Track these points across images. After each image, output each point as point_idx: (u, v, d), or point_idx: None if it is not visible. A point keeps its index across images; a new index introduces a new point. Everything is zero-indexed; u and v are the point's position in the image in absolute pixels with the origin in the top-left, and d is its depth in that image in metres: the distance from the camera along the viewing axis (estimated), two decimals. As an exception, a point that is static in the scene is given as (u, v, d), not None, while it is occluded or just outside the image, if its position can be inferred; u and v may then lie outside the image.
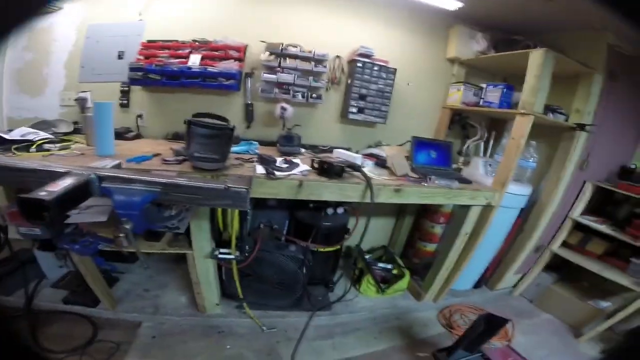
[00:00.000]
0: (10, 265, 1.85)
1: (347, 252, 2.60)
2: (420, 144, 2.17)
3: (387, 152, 2.05)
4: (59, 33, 2.14)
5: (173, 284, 2.21)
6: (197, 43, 2.12)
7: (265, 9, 2.16)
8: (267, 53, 2.12)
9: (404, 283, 2.40)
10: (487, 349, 1.76)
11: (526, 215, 2.40)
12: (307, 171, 1.61)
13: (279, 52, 2.12)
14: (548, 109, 2.00)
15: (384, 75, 2.26)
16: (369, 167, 1.84)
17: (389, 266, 2.47)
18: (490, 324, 1.58)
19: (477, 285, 2.66)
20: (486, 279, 2.69)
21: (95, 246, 1.58)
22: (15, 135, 1.72)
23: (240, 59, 2.12)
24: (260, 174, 1.49)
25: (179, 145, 1.67)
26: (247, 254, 1.77)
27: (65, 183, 0.89)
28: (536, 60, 1.81)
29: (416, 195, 1.78)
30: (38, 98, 2.18)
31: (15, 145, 1.58)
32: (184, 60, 2.07)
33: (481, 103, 2.30)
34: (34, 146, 1.61)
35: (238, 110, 2.25)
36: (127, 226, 0.95)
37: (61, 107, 2.18)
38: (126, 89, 2.13)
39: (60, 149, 1.65)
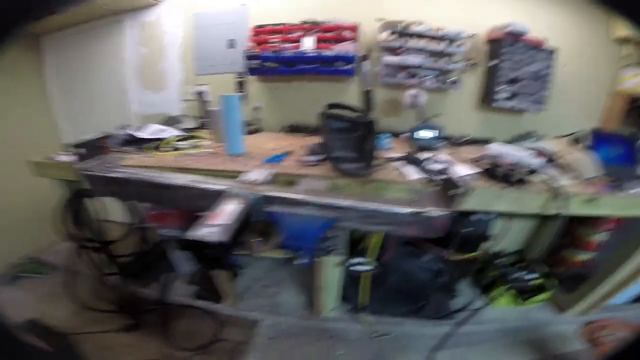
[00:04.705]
0: (148, 259, 1.95)
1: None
2: (600, 138, 1.63)
3: (555, 147, 1.56)
4: (167, 25, 2.12)
5: (290, 281, 2.14)
6: (307, 25, 1.90)
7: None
8: (387, 32, 1.79)
9: (546, 296, 2.01)
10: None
11: None
12: (471, 175, 1.26)
13: (402, 31, 1.78)
14: None
15: (540, 56, 1.78)
16: (539, 167, 1.41)
17: (530, 276, 2.04)
18: None
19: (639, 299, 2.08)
20: (654, 293, 2.10)
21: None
22: (146, 133, 1.73)
23: (354, 40, 1.85)
24: (415, 179, 1.20)
25: (311, 142, 1.48)
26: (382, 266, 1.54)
27: (230, 210, 0.69)
28: None
29: (612, 206, 1.31)
30: (160, 93, 2.23)
31: (147, 144, 1.57)
32: (295, 44, 1.88)
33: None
34: (165, 145, 1.58)
35: (355, 98, 1.97)
36: (297, 262, 0.75)
37: (182, 102, 2.18)
38: (242, 79, 2.02)
39: (190, 148, 1.60)
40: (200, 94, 2.09)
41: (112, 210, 1.79)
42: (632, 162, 1.66)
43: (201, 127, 2.03)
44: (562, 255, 2.15)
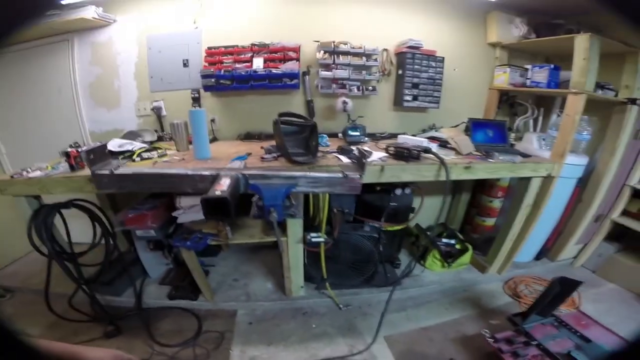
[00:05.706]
0: (118, 268, 2.04)
1: (407, 232, 2.63)
2: (476, 124, 2.28)
3: (447, 134, 2.16)
4: (120, 46, 2.26)
5: (257, 272, 2.39)
6: (256, 47, 2.22)
7: (312, 9, 2.26)
8: (322, 52, 2.24)
9: (467, 257, 2.48)
10: (559, 314, 1.79)
11: (584, 185, 2.41)
12: (385, 157, 1.75)
13: (332, 50, 2.24)
14: (597, 85, 2.00)
15: (433, 64, 2.36)
16: (435, 149, 1.96)
17: (452, 241, 2.48)
18: (564, 287, 1.66)
19: (539, 257, 2.66)
20: (547, 250, 2.66)
21: (205, 241, 1.76)
22: (113, 146, 1.82)
23: (297, 59, 2.24)
24: (346, 163, 1.64)
25: (267, 144, 1.84)
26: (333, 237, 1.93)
27: (227, 182, 1.02)
28: (582, 44, 1.83)
29: (484, 170, 1.87)
30: (115, 110, 2.35)
31: (121, 156, 1.74)
32: (247, 64, 2.19)
33: (528, 83, 2.33)
34: (136, 155, 1.75)
35: (300, 107, 2.38)
36: (276, 215, 1.10)
37: (138, 117, 2.34)
38: (197, 95, 2.28)
39: (158, 157, 1.80)
40: (157, 109, 2.30)
41: (74, 227, 1.85)
42: (502, 141, 2.34)
43: (160, 139, 2.24)
44: (475, 223, 2.72)
